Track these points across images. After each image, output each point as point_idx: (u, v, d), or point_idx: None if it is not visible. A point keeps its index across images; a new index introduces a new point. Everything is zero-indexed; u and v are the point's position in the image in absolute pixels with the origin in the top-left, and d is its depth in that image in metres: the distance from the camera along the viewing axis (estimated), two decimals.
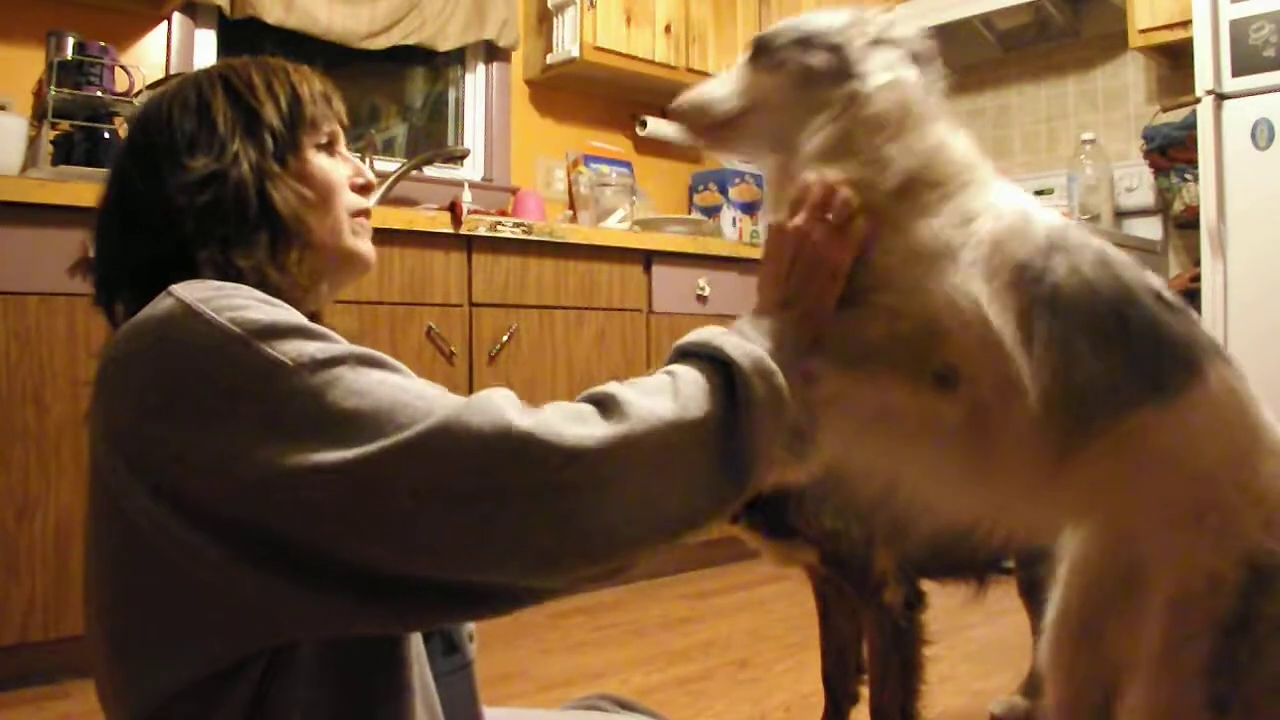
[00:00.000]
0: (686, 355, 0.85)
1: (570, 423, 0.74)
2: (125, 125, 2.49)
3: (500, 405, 0.75)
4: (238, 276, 0.89)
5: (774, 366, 0.82)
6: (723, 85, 1.11)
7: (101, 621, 0.86)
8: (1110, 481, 1.00)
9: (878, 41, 1.05)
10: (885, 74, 1.02)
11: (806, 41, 1.06)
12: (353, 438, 0.71)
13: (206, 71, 1.03)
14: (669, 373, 0.81)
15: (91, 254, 1.01)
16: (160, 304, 0.81)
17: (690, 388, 0.78)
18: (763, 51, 1.10)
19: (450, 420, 0.72)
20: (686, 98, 1.11)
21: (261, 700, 0.80)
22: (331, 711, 0.82)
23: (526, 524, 0.70)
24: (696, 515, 0.77)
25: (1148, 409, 0.96)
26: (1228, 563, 0.95)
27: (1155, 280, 1.02)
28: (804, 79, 1.04)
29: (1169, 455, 0.97)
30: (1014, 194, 1.02)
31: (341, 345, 0.78)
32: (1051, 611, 1.14)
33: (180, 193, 0.94)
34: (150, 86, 2.54)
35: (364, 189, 1.06)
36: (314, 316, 0.94)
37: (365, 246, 1.05)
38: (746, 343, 0.83)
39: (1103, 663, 1.11)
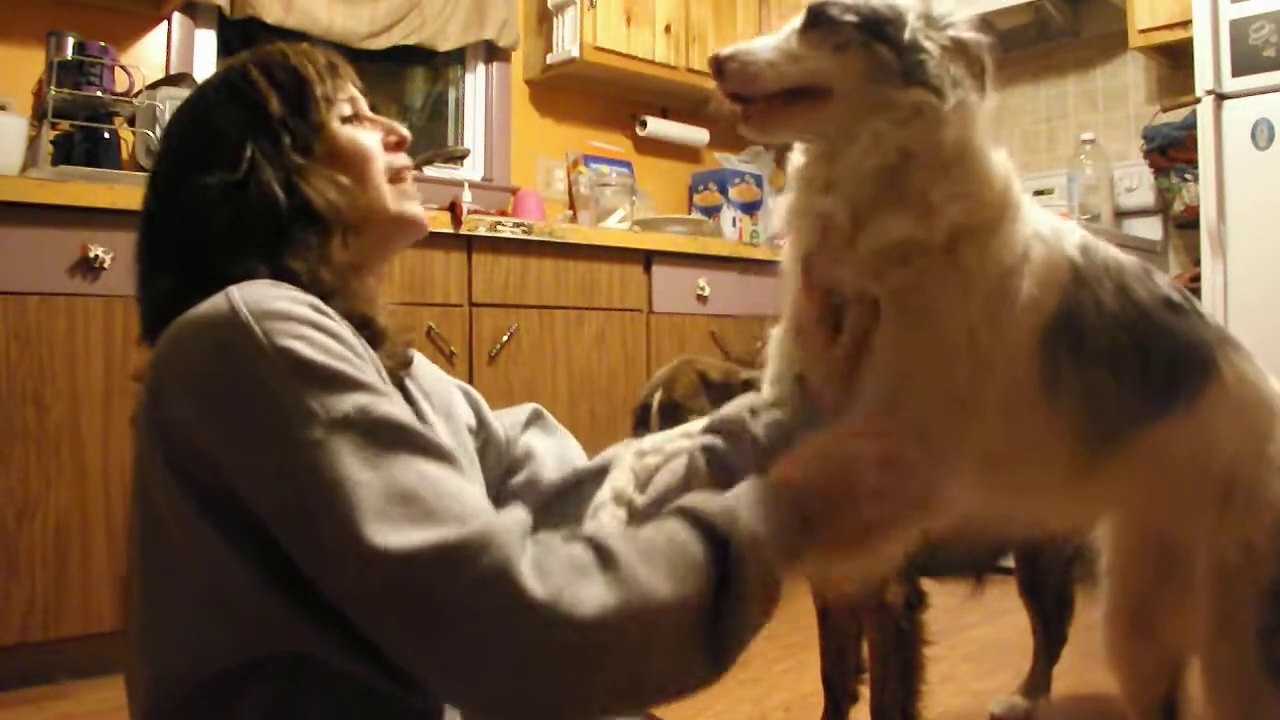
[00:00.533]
0: (689, 515, 0.78)
1: (575, 580, 0.70)
2: (125, 125, 2.50)
3: (511, 547, 0.70)
4: (289, 277, 0.88)
5: (772, 557, 0.78)
6: (776, 51, 0.95)
7: (132, 616, 0.88)
8: (1138, 483, 1.04)
9: (951, 47, 0.96)
10: (958, 93, 0.95)
11: (875, 24, 0.94)
12: (354, 514, 0.70)
13: (208, 80, 1.02)
14: (669, 538, 0.76)
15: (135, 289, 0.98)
16: (215, 304, 0.80)
17: (687, 565, 0.74)
18: (823, 22, 0.95)
19: (454, 542, 0.69)
20: (732, 52, 0.95)
21: (282, 701, 0.81)
22: (357, 712, 0.82)
23: (515, 667, 0.68)
24: (670, 690, 0.76)
25: (1168, 420, 1.00)
26: (1260, 531, 0.99)
27: (1162, 281, 1.04)
28: (871, 69, 0.93)
29: (1192, 454, 1.01)
30: (1038, 219, 0.99)
31: (378, 408, 0.76)
32: (1102, 608, 1.18)
33: (201, 211, 0.92)
34: (150, 86, 2.54)
35: (398, 145, 1.04)
36: (369, 301, 0.95)
37: (414, 209, 1.04)
38: (750, 521, 0.78)
39: (1161, 652, 1.15)
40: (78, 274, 2.14)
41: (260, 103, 0.96)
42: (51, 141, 2.38)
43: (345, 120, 1.01)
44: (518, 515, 0.79)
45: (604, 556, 0.72)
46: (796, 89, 0.94)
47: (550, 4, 3.58)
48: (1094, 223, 3.32)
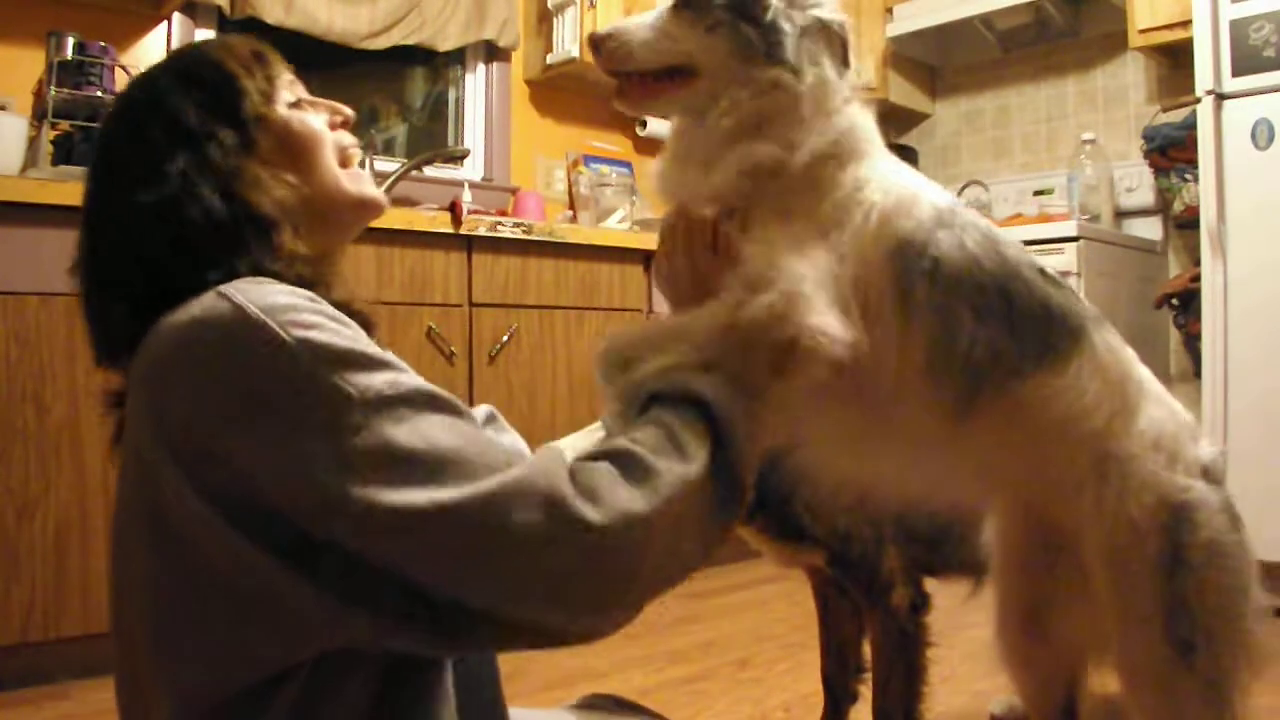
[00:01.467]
0: (659, 399, 0.87)
1: (615, 492, 0.77)
2: None
3: (558, 472, 0.77)
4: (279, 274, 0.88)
5: (739, 393, 0.87)
6: (650, 30, 1.03)
7: (144, 622, 0.85)
8: (1010, 447, 1.04)
9: (812, 26, 1.02)
10: (813, 70, 1.00)
11: (741, 5, 1.01)
12: (412, 481, 0.74)
13: (127, 93, 0.99)
14: (660, 424, 0.84)
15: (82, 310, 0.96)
16: (214, 306, 0.78)
17: (688, 440, 0.83)
18: (694, 3, 1.03)
19: (511, 485, 0.75)
20: (610, 30, 1.04)
21: (309, 699, 0.80)
22: (373, 708, 0.82)
23: (575, 575, 0.75)
24: (705, 553, 0.84)
25: (1036, 375, 1.01)
26: (1143, 509, 0.99)
27: (1035, 258, 1.07)
28: (737, 49, 1.00)
29: (1063, 418, 1.01)
30: (907, 172, 1.04)
31: (405, 380, 0.78)
32: (993, 610, 1.16)
33: (141, 230, 0.89)
34: None
35: (344, 125, 1.03)
36: (345, 288, 0.95)
37: (369, 189, 1.02)
38: (707, 378, 0.87)
39: (1057, 653, 1.14)
40: (78, 274, 2.13)
41: (178, 115, 0.92)
42: (51, 141, 2.38)
43: (291, 106, 0.98)
44: (554, 449, 0.82)
45: (628, 467, 0.79)
46: (668, 68, 1.02)
47: (550, 4, 3.58)
48: (1094, 223, 3.33)
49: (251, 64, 0.97)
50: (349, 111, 1.04)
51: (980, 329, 0.98)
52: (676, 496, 0.79)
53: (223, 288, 0.80)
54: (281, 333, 0.76)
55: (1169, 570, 0.98)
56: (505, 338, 2.81)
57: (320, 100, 1.03)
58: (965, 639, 2.33)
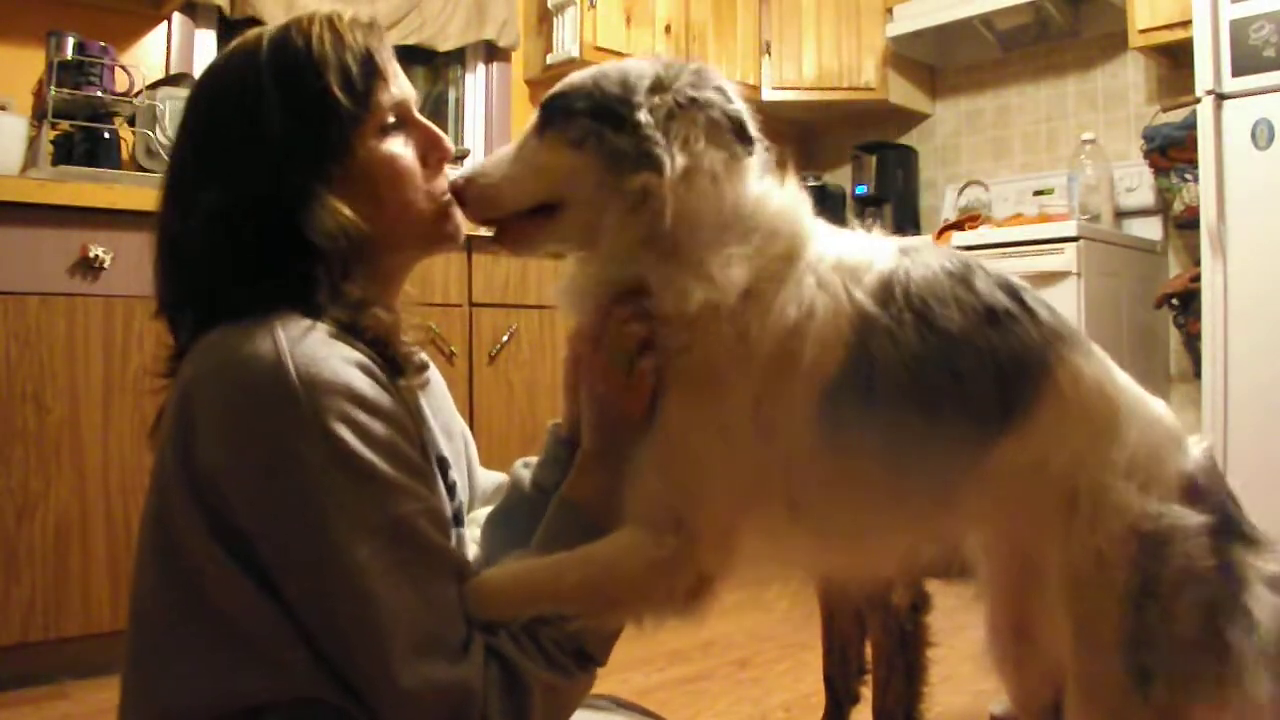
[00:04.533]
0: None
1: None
2: (125, 125, 2.49)
3: (485, 696, 0.84)
4: (317, 306, 0.86)
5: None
6: (512, 165, 0.95)
7: (134, 634, 0.88)
8: (988, 505, 1.01)
9: (682, 108, 0.92)
10: (682, 158, 0.90)
11: (605, 109, 0.91)
12: (378, 646, 0.80)
13: (223, 67, 0.92)
14: (544, 653, 0.88)
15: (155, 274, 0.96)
16: (265, 356, 0.79)
17: (568, 665, 0.90)
18: (557, 118, 0.94)
19: (457, 691, 0.82)
20: (470, 176, 0.95)
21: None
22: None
23: None
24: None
25: (1002, 442, 0.97)
26: (1109, 539, 0.96)
27: (984, 288, 1.00)
28: (608, 162, 0.91)
29: (1032, 465, 0.98)
30: (833, 254, 0.98)
31: (413, 521, 0.82)
32: (984, 617, 1.15)
33: (195, 230, 0.88)
34: (150, 86, 2.54)
35: (439, 161, 0.96)
36: (392, 323, 0.92)
37: (452, 225, 0.97)
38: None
39: (1045, 658, 1.13)
40: (78, 274, 2.14)
41: (264, 118, 0.87)
42: (51, 141, 2.38)
43: (386, 130, 0.92)
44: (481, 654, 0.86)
45: (515, 679, 0.85)
46: (540, 198, 0.94)
47: (550, 4, 3.58)
48: (1094, 223, 3.32)
49: (354, 73, 0.89)
50: (448, 146, 0.97)
51: (934, 421, 0.95)
52: (545, 705, 0.87)
53: (279, 331, 0.80)
54: (313, 415, 0.78)
55: (1136, 601, 0.95)
56: (505, 338, 2.81)
57: (424, 124, 0.96)
58: (965, 639, 2.33)
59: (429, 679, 0.79)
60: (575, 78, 0.97)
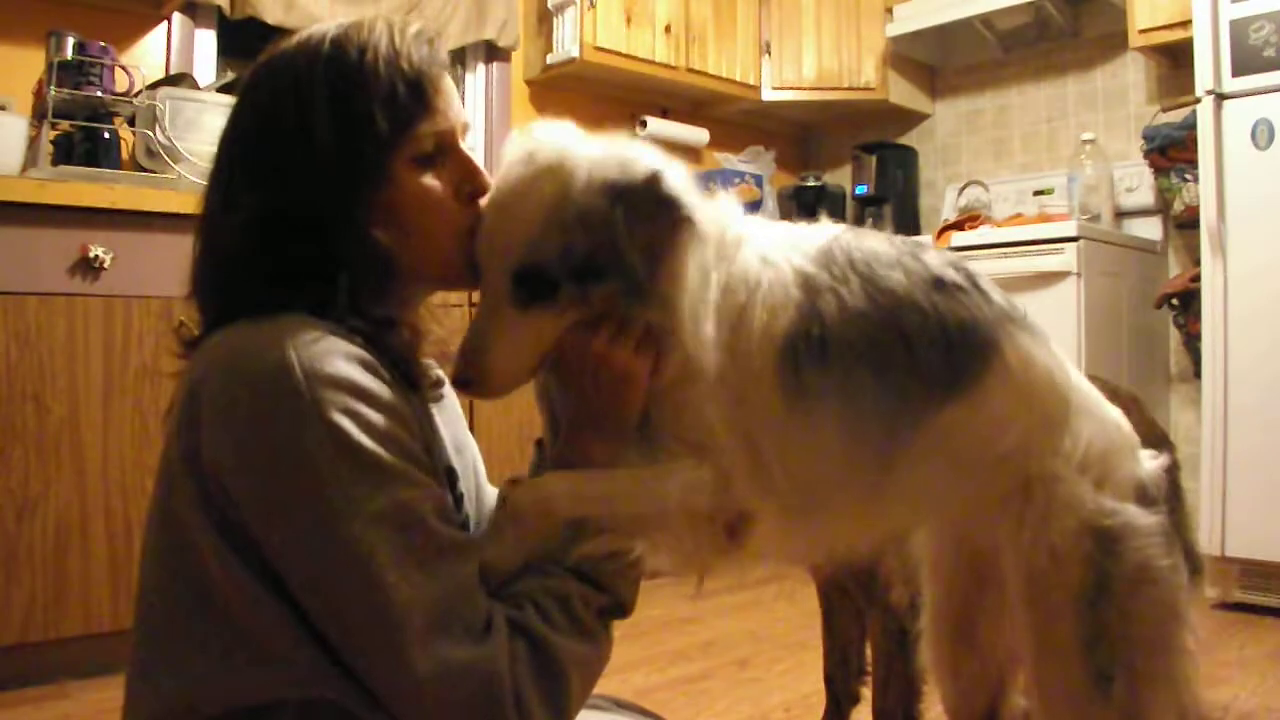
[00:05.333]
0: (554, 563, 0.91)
1: (549, 688, 0.84)
2: (125, 125, 2.49)
3: (512, 668, 0.83)
4: (336, 312, 0.86)
5: (624, 556, 0.91)
6: (507, 344, 0.93)
7: (141, 624, 0.89)
8: (932, 480, 1.00)
9: (639, 227, 0.89)
10: (676, 291, 0.91)
11: (582, 269, 0.88)
12: (388, 634, 0.78)
13: (276, 68, 0.90)
14: (572, 613, 0.88)
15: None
16: (271, 353, 0.79)
17: (595, 627, 0.90)
18: (537, 290, 0.90)
19: (476, 668, 0.81)
20: (470, 360, 0.94)
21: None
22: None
23: None
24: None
25: (947, 407, 0.97)
26: (1065, 535, 0.95)
27: (934, 261, 1.01)
28: (602, 306, 0.90)
29: (979, 442, 0.98)
30: (768, 241, 0.98)
31: (417, 506, 0.81)
32: (925, 616, 1.14)
33: (232, 227, 0.87)
34: (150, 86, 2.54)
35: (474, 196, 0.93)
36: (410, 337, 0.94)
37: (470, 268, 0.95)
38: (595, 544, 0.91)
39: (984, 662, 1.12)
40: (78, 274, 2.14)
41: (310, 127, 0.86)
42: (51, 141, 2.38)
43: (419, 161, 0.90)
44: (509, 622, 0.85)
45: (548, 663, 0.84)
46: (538, 369, 0.98)
47: (550, 4, 3.58)
48: (1094, 223, 3.32)
49: (400, 97, 0.87)
50: (485, 181, 0.95)
51: (883, 379, 0.95)
52: (581, 681, 0.88)
53: (286, 331, 0.80)
54: (316, 409, 0.78)
55: (1092, 599, 0.95)
56: None
57: (464, 156, 0.94)
58: None
59: (448, 661, 0.78)
60: (535, 233, 0.89)
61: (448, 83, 0.94)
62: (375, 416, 0.81)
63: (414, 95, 0.89)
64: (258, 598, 0.81)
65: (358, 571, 0.78)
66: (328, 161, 0.86)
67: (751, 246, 0.97)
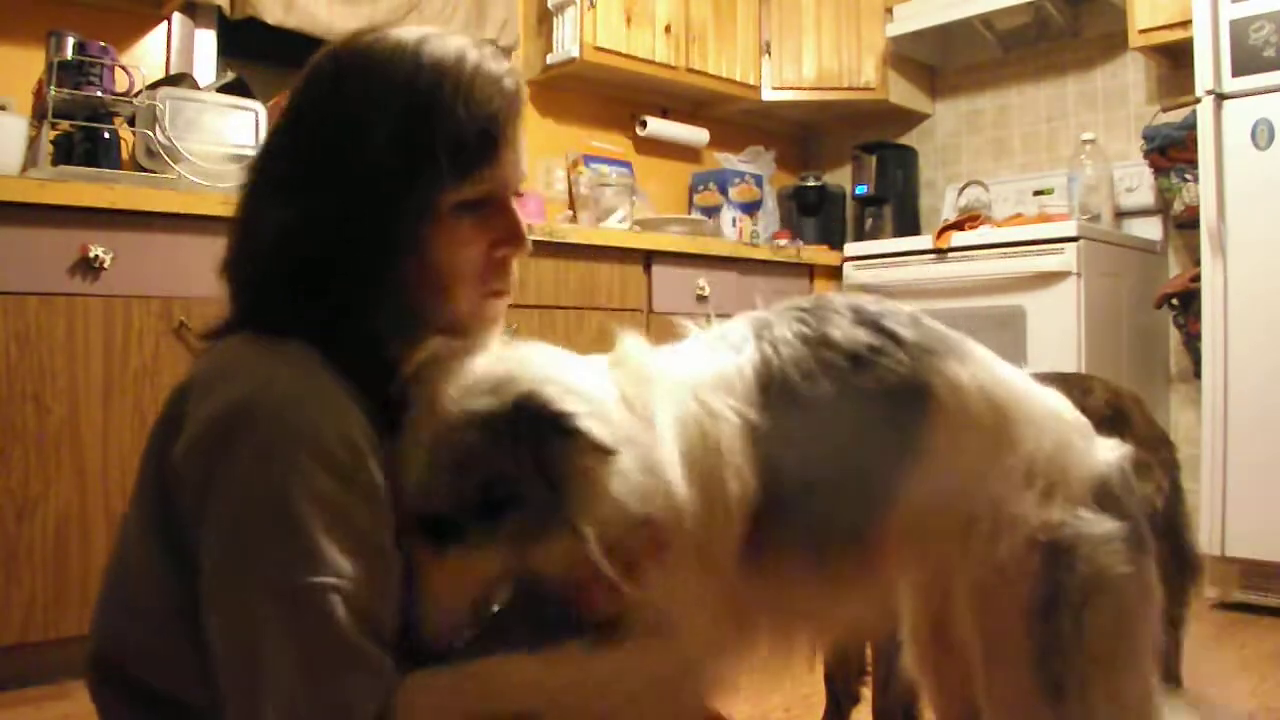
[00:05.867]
0: None
1: None
2: (125, 125, 2.49)
3: None
4: (332, 329, 0.85)
5: None
6: (428, 597, 0.85)
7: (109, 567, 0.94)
8: (904, 547, 0.97)
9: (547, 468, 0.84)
10: (588, 527, 0.84)
11: (491, 504, 0.84)
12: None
13: (349, 67, 0.87)
14: None
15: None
16: (257, 369, 0.80)
17: None
18: (435, 526, 0.85)
19: None
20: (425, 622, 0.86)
21: None
22: None
23: None
24: None
25: (905, 477, 0.93)
26: (1010, 552, 0.93)
27: (841, 336, 0.95)
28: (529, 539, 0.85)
29: (934, 492, 0.94)
30: (696, 391, 0.92)
31: (330, 606, 0.76)
32: (905, 621, 1.12)
33: (276, 224, 0.86)
34: (150, 86, 2.54)
35: (508, 256, 0.92)
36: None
37: (492, 313, 0.95)
38: None
39: (965, 663, 1.09)
40: (78, 274, 2.13)
41: (378, 157, 0.84)
42: (51, 141, 2.38)
43: (465, 206, 0.88)
44: None
45: None
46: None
47: (550, 4, 3.58)
48: (1094, 223, 3.32)
49: (468, 143, 0.86)
50: (525, 243, 0.94)
51: (842, 491, 0.92)
52: None
53: (279, 363, 0.80)
54: (266, 455, 0.76)
55: (1043, 612, 0.92)
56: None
57: (512, 212, 0.92)
58: None
59: None
60: (423, 478, 0.84)
61: (517, 132, 0.91)
62: (327, 484, 0.77)
63: (482, 145, 0.87)
64: (166, 612, 0.83)
65: (241, 633, 0.76)
66: (379, 179, 0.84)
67: (682, 399, 0.91)
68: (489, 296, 0.93)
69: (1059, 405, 1.01)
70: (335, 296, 0.85)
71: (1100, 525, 0.94)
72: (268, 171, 0.89)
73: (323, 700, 0.76)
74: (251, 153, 2.45)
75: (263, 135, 2.54)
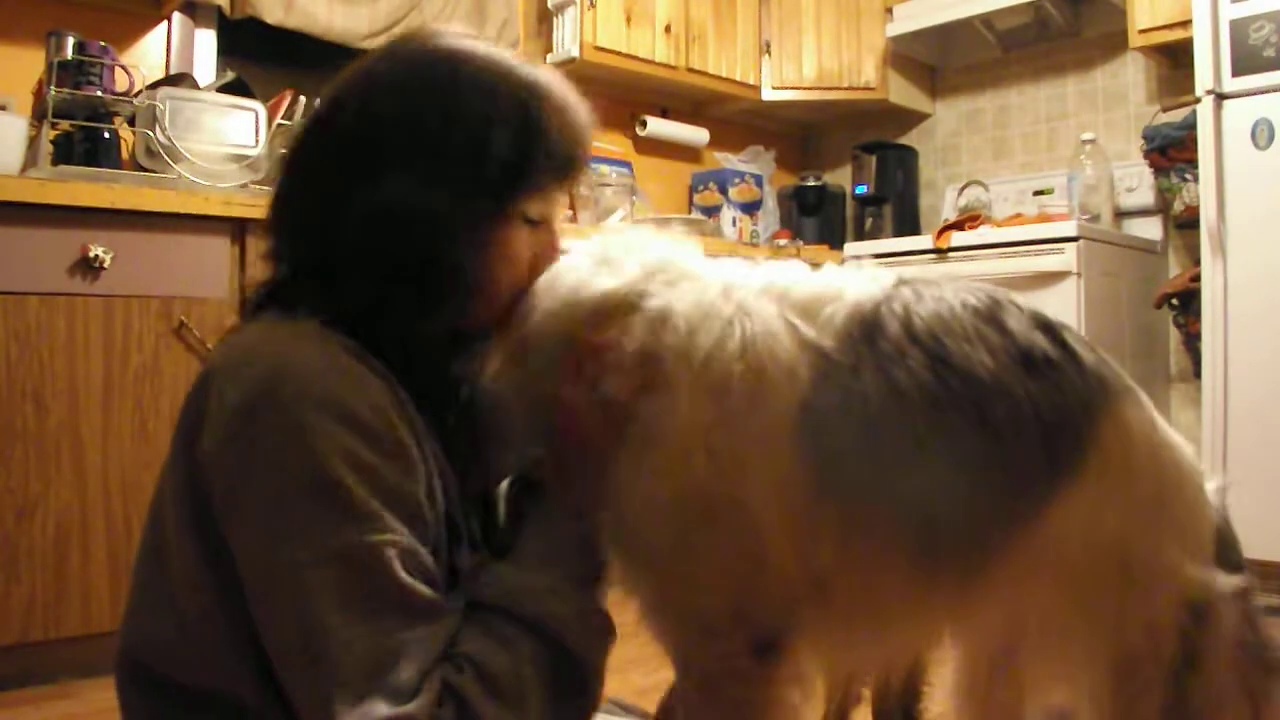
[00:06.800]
0: (521, 619, 0.85)
1: None
2: (125, 125, 2.49)
3: None
4: (374, 333, 0.86)
5: (597, 617, 0.89)
6: None
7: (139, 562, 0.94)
8: (1026, 586, 0.90)
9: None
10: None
11: None
12: (319, 678, 0.76)
13: (449, 77, 0.89)
14: (514, 657, 0.83)
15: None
16: (279, 350, 0.80)
17: (536, 682, 0.83)
18: None
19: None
20: None
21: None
22: None
23: None
24: None
25: (1045, 509, 0.85)
26: (1163, 611, 0.88)
27: (1018, 326, 0.86)
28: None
29: (1078, 533, 0.87)
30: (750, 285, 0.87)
31: (378, 553, 0.77)
32: (956, 652, 1.07)
33: (352, 218, 0.85)
34: (150, 86, 2.54)
35: (541, 270, 0.94)
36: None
37: (493, 323, 0.95)
38: (550, 586, 0.86)
39: (1019, 689, 1.05)
40: (78, 274, 2.13)
41: (495, 150, 0.86)
42: (51, 141, 2.38)
43: (528, 219, 0.91)
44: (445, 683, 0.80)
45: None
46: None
47: (550, 4, 3.58)
48: (1094, 223, 3.32)
49: (562, 162, 0.91)
50: (559, 259, 0.96)
51: (963, 479, 0.83)
52: None
53: (300, 342, 0.81)
54: (297, 428, 0.77)
55: (1179, 673, 0.87)
56: None
57: (555, 234, 0.95)
58: None
59: (367, 716, 0.74)
60: None
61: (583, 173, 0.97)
62: (360, 449, 0.78)
63: (570, 164, 0.92)
64: (207, 607, 0.83)
65: (299, 605, 0.76)
66: (486, 171, 0.86)
67: (723, 285, 0.88)
68: (504, 315, 0.94)
69: (1189, 452, 0.95)
70: (396, 278, 0.86)
71: (1230, 584, 0.91)
72: (344, 154, 0.88)
73: (390, 649, 0.76)
74: (251, 153, 2.46)
75: (263, 135, 2.54)
